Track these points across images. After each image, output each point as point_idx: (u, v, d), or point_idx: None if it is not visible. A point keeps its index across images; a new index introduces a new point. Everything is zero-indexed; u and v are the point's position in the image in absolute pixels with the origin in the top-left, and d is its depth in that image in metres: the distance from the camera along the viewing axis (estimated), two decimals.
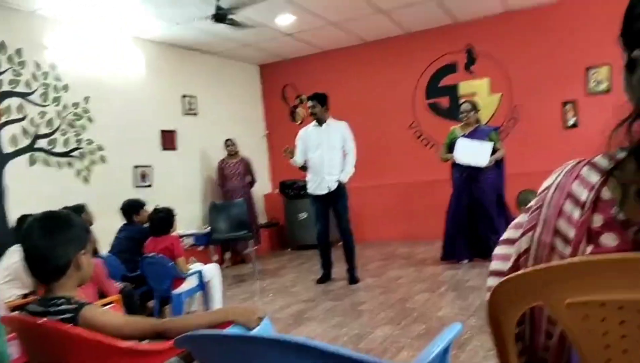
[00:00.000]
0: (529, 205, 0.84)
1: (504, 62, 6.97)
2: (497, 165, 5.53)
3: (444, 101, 7.37)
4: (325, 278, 5.37)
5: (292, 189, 7.67)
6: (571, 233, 0.70)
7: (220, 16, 5.48)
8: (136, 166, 6.30)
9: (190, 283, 4.21)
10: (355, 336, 3.62)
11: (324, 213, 5.31)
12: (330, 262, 5.43)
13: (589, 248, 0.68)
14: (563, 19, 6.60)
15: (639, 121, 0.69)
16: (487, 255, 5.47)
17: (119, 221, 4.63)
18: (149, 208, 4.63)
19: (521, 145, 6.64)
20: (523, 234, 0.80)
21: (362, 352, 3.22)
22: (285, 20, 6.31)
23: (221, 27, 5.86)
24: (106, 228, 4.55)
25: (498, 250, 0.87)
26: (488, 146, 5.35)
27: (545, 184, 0.79)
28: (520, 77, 6.89)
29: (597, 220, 0.68)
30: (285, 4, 5.67)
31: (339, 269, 5.47)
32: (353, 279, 5.20)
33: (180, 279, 4.12)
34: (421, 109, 7.52)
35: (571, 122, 6.67)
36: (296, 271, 6.19)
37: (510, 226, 0.87)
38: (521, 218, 0.85)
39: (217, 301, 4.32)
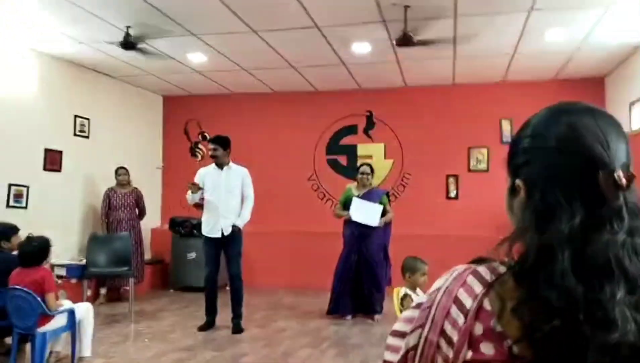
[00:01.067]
0: (418, 301, 0.88)
1: (398, 132, 7.51)
2: (385, 226, 5.85)
3: (343, 159, 7.70)
4: (209, 325, 5.17)
5: (183, 226, 7.40)
6: (455, 337, 0.76)
7: (129, 44, 5.31)
8: (11, 185, 5.70)
9: (58, 321, 3.83)
10: None
11: (216, 257, 5.19)
12: (215, 309, 5.26)
13: (470, 354, 0.73)
14: (454, 101, 7.32)
15: (518, 241, 0.76)
16: (369, 312, 5.68)
17: None
18: (24, 233, 4.20)
19: (408, 209, 7.09)
20: (412, 330, 0.84)
21: None
22: (196, 58, 6.27)
23: (128, 52, 5.66)
24: None
25: (390, 340, 0.92)
26: (379, 208, 5.66)
27: (435, 285, 0.84)
28: (412, 148, 7.45)
29: (478, 329, 0.73)
30: (198, 42, 5.65)
31: (223, 315, 5.30)
32: (238, 328, 5.08)
33: (48, 317, 3.74)
34: (321, 164, 7.77)
35: (453, 194, 7.30)
36: (177, 314, 5.89)
37: (400, 318, 0.91)
38: (411, 313, 0.89)
39: (86, 344, 3.98)
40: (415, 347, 0.83)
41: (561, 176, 0.74)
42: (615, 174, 0.72)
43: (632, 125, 5.89)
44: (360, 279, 5.70)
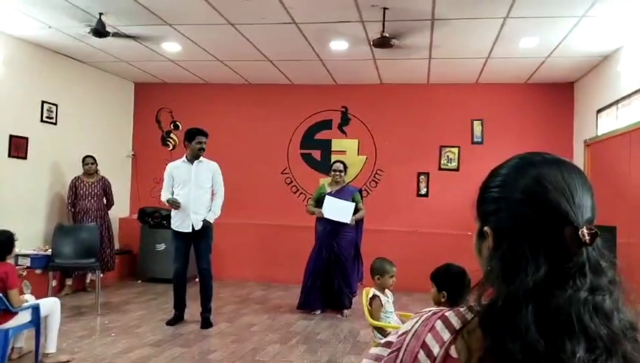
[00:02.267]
0: (388, 339, 0.90)
1: (372, 128, 7.56)
2: (357, 223, 5.90)
3: (317, 154, 7.71)
4: (177, 319, 5.14)
5: (152, 217, 7.30)
6: None
7: (101, 31, 5.17)
8: None
9: (21, 318, 3.74)
10: None
11: (185, 251, 5.15)
12: (184, 303, 5.22)
13: None
14: (428, 100, 7.40)
15: (487, 288, 0.78)
16: (339, 307, 5.75)
17: None
18: None
19: (379, 205, 7.16)
20: None
21: None
22: (171, 47, 6.15)
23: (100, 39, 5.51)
24: None
25: None
26: (351, 206, 5.71)
27: (404, 328, 0.86)
28: (385, 145, 7.52)
29: None
30: (173, 32, 5.54)
31: (192, 309, 5.28)
32: (207, 323, 5.06)
33: (10, 313, 3.65)
34: (295, 158, 7.76)
35: (423, 191, 7.41)
36: (144, 307, 5.82)
37: (368, 355, 0.93)
38: (380, 351, 0.91)
39: (52, 340, 3.89)
40: None
41: (527, 228, 0.76)
42: (580, 231, 0.74)
43: (599, 131, 6.08)
44: (330, 274, 5.76)
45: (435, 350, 0.78)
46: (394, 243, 6.78)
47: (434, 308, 0.86)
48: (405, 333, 0.85)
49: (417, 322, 0.85)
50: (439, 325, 0.81)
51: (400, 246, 6.70)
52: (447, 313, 0.82)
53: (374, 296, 3.65)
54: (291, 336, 4.88)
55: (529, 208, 0.77)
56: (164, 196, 5.12)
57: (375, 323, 3.50)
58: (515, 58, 6.01)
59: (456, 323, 0.80)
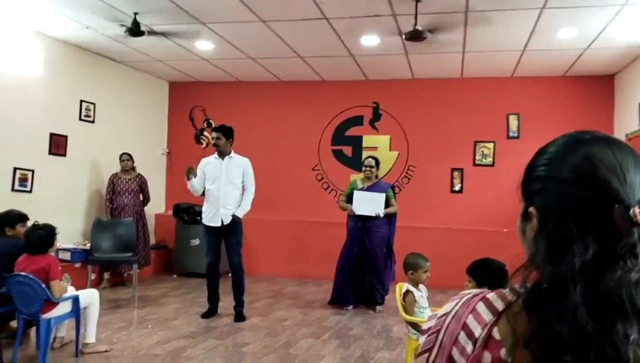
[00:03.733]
0: (426, 326, 0.89)
1: (404, 124, 7.48)
2: (389, 219, 5.86)
3: (348, 150, 7.69)
4: (211, 312, 5.22)
5: (187, 213, 7.43)
6: None
7: (136, 31, 5.29)
8: (16, 168, 5.73)
9: (62, 308, 3.87)
10: None
11: (216, 246, 5.22)
12: (217, 296, 5.30)
13: None
14: (462, 95, 7.28)
15: (532, 271, 0.75)
16: (370, 303, 5.73)
17: None
18: (31, 218, 4.23)
19: (412, 202, 7.09)
20: (419, 354, 0.84)
21: None
22: (204, 46, 6.24)
23: (135, 38, 5.64)
24: None
25: None
26: (381, 197, 5.65)
27: (443, 309, 0.84)
28: (417, 140, 7.43)
29: (487, 357, 0.73)
30: (206, 31, 5.62)
31: (226, 303, 5.35)
32: (240, 317, 5.12)
33: (52, 303, 3.78)
34: (326, 154, 7.76)
35: (457, 187, 7.29)
36: (180, 301, 5.94)
37: (419, 348, 0.91)
38: (422, 340, 0.89)
39: (91, 330, 4.02)
40: None
41: (575, 208, 0.73)
42: (631, 211, 0.71)
43: None
44: (362, 270, 5.73)
45: (477, 331, 0.76)
46: (427, 240, 6.68)
47: (475, 290, 0.84)
48: (446, 314, 0.83)
49: (457, 303, 0.83)
50: (480, 306, 0.79)
51: (434, 243, 6.60)
52: (488, 295, 0.80)
53: (407, 292, 3.61)
54: (324, 331, 4.89)
55: (577, 187, 0.74)
56: (196, 187, 5.19)
57: (409, 318, 3.46)
58: (552, 50, 5.85)
59: (499, 305, 0.78)
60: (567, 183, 0.76)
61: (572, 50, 5.83)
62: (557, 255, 0.73)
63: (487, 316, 0.77)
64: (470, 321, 0.78)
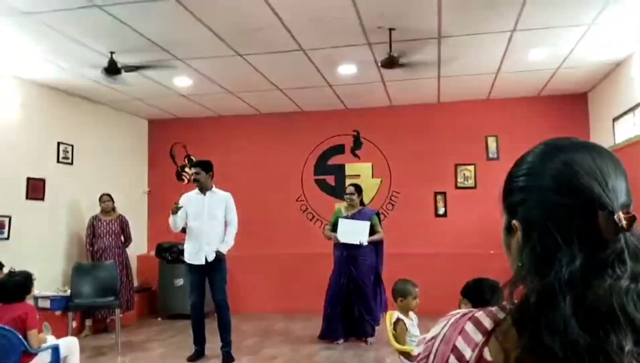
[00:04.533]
0: (416, 352, 0.85)
1: (386, 151, 7.54)
2: (376, 247, 5.81)
3: (331, 179, 7.69)
4: (198, 355, 5.06)
5: (170, 252, 7.29)
6: None
7: (113, 70, 5.28)
8: None
9: (41, 359, 3.70)
10: None
11: (200, 284, 5.10)
12: (203, 337, 5.15)
13: None
14: (440, 119, 7.38)
15: (519, 285, 0.73)
16: (361, 335, 5.61)
17: None
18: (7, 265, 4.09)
19: (398, 227, 7.07)
20: None
21: None
22: (182, 82, 6.25)
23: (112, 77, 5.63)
24: None
25: None
26: (365, 224, 5.63)
27: (431, 333, 0.82)
28: (399, 166, 7.48)
29: None
30: (183, 66, 5.64)
31: (213, 344, 5.19)
32: (227, 357, 4.97)
33: (30, 354, 3.61)
34: (309, 184, 7.75)
35: (441, 211, 7.31)
36: (166, 344, 5.75)
37: None
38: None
39: None
40: None
41: (559, 216, 0.72)
42: (615, 216, 0.70)
43: (616, 139, 5.97)
44: (350, 302, 5.64)
45: (467, 353, 0.73)
46: (415, 265, 6.60)
47: (463, 310, 0.81)
48: (434, 338, 0.80)
49: (445, 325, 0.80)
50: (469, 327, 0.76)
51: (422, 268, 6.53)
52: (477, 314, 0.77)
53: (398, 320, 3.55)
54: None
55: (559, 195, 0.73)
56: (177, 223, 5.08)
57: (401, 347, 3.39)
58: (525, 71, 5.98)
59: (488, 324, 0.75)
60: (548, 192, 0.74)
61: (545, 70, 5.98)
62: (544, 267, 0.71)
63: (477, 337, 0.74)
64: (460, 343, 0.75)
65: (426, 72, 5.90)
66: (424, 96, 7.01)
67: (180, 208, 4.99)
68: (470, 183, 7.26)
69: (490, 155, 7.23)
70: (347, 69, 5.81)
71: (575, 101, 6.99)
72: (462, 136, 7.29)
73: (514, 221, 0.79)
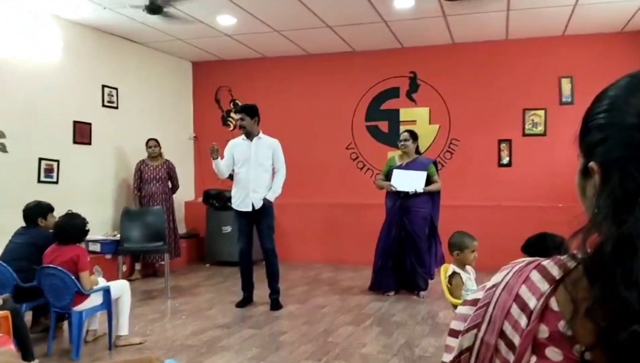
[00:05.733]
0: (475, 297, 0.84)
1: (445, 94, 7.31)
2: (432, 198, 5.75)
3: (384, 126, 7.58)
4: (246, 301, 5.29)
5: (217, 199, 7.52)
6: (516, 340, 0.72)
7: (154, 8, 5.32)
8: (41, 159, 5.91)
9: (94, 300, 4.00)
10: None
11: (248, 231, 5.26)
12: (251, 284, 5.36)
13: (533, 359, 0.69)
14: (507, 59, 7.04)
15: (593, 233, 0.70)
16: (413, 289, 5.67)
17: (17, 221, 4.31)
18: (58, 210, 4.37)
19: (456, 178, 6.95)
20: (467, 330, 0.80)
21: None
22: (225, 20, 6.23)
23: (154, 17, 5.68)
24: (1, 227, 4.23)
25: (447, 340, 0.88)
26: (422, 174, 5.56)
27: (492, 281, 0.80)
28: (460, 111, 7.25)
29: (543, 331, 0.70)
30: (227, 3, 5.60)
31: (261, 291, 5.41)
32: (276, 305, 5.17)
33: (83, 295, 3.90)
34: (360, 131, 7.68)
35: (505, 160, 7.10)
36: (214, 290, 6.05)
37: (456, 316, 0.88)
38: (466, 309, 0.85)
39: (123, 322, 4.13)
40: (469, 349, 0.79)
41: None
42: None
43: None
44: (402, 254, 5.67)
45: (532, 302, 0.72)
46: (474, 218, 6.52)
47: (528, 259, 0.79)
48: (495, 286, 0.79)
49: (508, 273, 0.78)
50: (535, 275, 0.74)
51: (481, 222, 6.44)
52: (544, 263, 0.75)
53: (454, 274, 3.55)
54: (364, 318, 4.88)
55: None
56: (222, 170, 5.21)
57: (457, 301, 3.40)
58: (608, 2, 5.55)
59: (556, 272, 0.73)
60: (633, 130, 0.70)
61: (630, 1, 5.52)
62: (623, 214, 0.67)
63: (543, 286, 0.72)
64: (524, 291, 0.73)
65: (494, 4, 5.58)
66: (490, 32, 6.67)
67: (217, 149, 5.08)
68: (540, 129, 6.97)
69: (564, 99, 6.87)
70: (404, 2, 5.58)
71: None
72: (532, 78, 6.93)
73: (592, 163, 0.75)
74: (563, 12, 5.91)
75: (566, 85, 6.87)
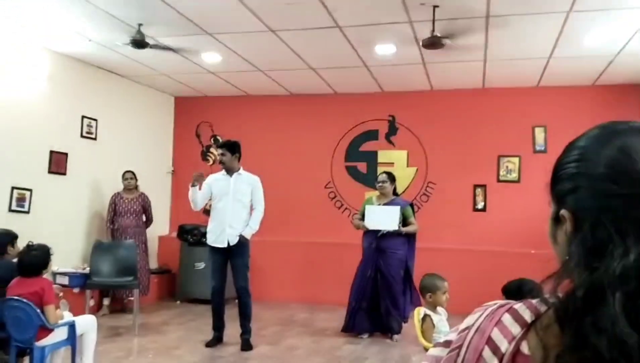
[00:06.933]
0: (447, 338, 0.84)
1: (422, 138, 7.44)
2: (408, 240, 5.76)
3: (362, 167, 7.65)
4: (216, 341, 5.15)
5: (192, 235, 7.41)
6: None
7: (140, 42, 5.36)
8: (14, 188, 5.78)
9: (58, 335, 3.84)
10: None
11: (222, 268, 5.18)
12: (222, 324, 5.24)
13: None
14: (484, 106, 7.24)
15: (565, 279, 0.71)
16: (387, 331, 5.60)
17: None
18: (24, 240, 4.24)
19: (432, 221, 6.99)
20: None
21: None
22: (210, 57, 6.30)
23: (140, 51, 5.71)
24: None
25: None
26: (395, 210, 5.56)
27: (465, 323, 0.80)
28: (437, 155, 7.38)
29: None
30: (212, 41, 5.67)
31: (233, 331, 5.28)
32: (246, 345, 5.05)
33: (47, 329, 3.75)
34: (339, 171, 7.74)
35: (480, 205, 7.20)
36: (183, 329, 5.89)
37: (425, 357, 0.88)
38: (438, 352, 0.85)
39: (88, 359, 3.98)
40: None
41: (613, 206, 0.69)
42: None
43: None
44: (377, 296, 5.63)
45: (503, 346, 0.72)
46: (448, 262, 6.54)
47: (500, 301, 0.80)
48: (468, 328, 0.79)
49: (480, 315, 0.79)
50: (507, 318, 0.75)
51: (456, 265, 6.48)
52: (516, 306, 0.76)
53: (425, 316, 3.53)
54: (337, 361, 4.80)
55: (614, 184, 0.70)
56: (197, 202, 5.20)
57: (428, 345, 3.37)
58: (580, 57, 5.79)
59: (528, 316, 0.73)
60: (602, 180, 0.72)
61: (601, 57, 5.77)
62: (594, 261, 0.68)
63: (515, 329, 0.73)
64: (496, 334, 0.74)
65: (471, 55, 5.77)
66: (467, 80, 6.88)
67: (201, 175, 5.07)
68: (514, 176, 7.12)
69: (537, 147, 7.06)
70: (385, 49, 5.74)
71: (633, 93, 6.74)
72: (507, 126, 7.13)
73: (563, 211, 0.76)
74: (537, 64, 6.13)
75: (539, 134, 7.07)
